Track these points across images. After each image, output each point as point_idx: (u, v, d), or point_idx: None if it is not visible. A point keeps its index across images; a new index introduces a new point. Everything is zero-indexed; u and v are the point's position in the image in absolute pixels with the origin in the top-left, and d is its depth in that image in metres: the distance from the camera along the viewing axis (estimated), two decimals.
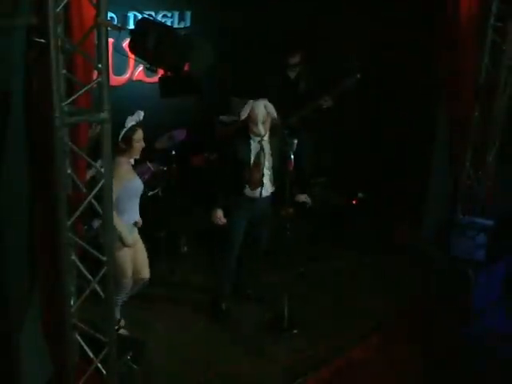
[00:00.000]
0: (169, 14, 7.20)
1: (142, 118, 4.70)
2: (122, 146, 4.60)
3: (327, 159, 7.78)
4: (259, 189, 5.19)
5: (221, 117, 7.47)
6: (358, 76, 6.41)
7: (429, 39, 6.23)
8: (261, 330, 5.32)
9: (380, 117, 7.33)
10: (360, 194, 7.14)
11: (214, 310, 5.49)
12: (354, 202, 7.16)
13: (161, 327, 5.21)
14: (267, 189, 5.26)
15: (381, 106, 7.26)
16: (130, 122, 4.61)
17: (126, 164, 4.68)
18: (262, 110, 5.03)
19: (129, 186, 4.65)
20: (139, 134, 4.65)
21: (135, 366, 4.68)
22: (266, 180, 5.22)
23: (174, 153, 6.28)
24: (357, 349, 5.15)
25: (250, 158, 5.15)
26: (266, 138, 5.17)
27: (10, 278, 3.76)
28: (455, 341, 5.34)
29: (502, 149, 6.36)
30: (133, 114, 4.65)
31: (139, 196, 4.82)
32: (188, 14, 7.39)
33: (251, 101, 5.09)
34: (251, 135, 5.13)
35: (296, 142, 5.05)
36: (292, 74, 6.92)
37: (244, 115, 5.06)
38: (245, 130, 5.17)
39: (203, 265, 6.22)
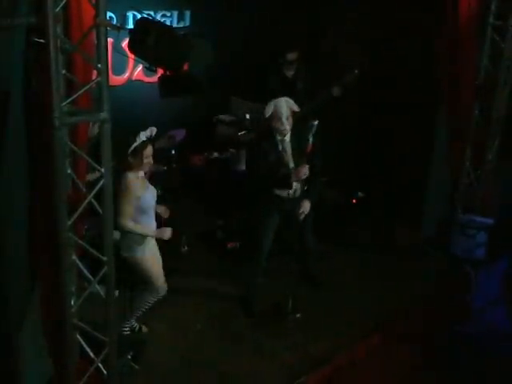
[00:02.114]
0: (168, 14, 7.21)
1: (154, 134, 4.69)
2: (130, 160, 4.57)
3: (327, 158, 7.78)
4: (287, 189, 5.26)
5: (220, 116, 7.47)
6: (356, 72, 6.39)
7: (428, 38, 6.23)
8: (261, 328, 5.32)
9: (380, 116, 7.32)
10: (360, 194, 7.14)
11: (245, 307, 5.58)
12: (353, 202, 7.16)
13: (161, 326, 5.21)
14: (297, 190, 5.30)
15: (381, 105, 7.26)
16: (142, 136, 4.59)
17: (135, 180, 4.64)
18: (285, 106, 5.13)
19: (140, 202, 4.64)
20: (149, 150, 4.63)
21: (136, 366, 4.69)
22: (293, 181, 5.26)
23: (173, 152, 6.29)
24: (357, 347, 5.15)
25: (276, 157, 5.22)
26: (286, 138, 5.24)
27: (11, 277, 3.76)
28: (455, 340, 5.34)
29: (502, 147, 6.36)
30: (146, 129, 4.63)
31: (153, 207, 4.81)
32: (187, 14, 7.40)
33: (273, 100, 5.18)
34: (275, 134, 5.23)
35: (316, 123, 5.05)
36: (289, 73, 6.91)
37: (268, 113, 5.15)
38: (269, 130, 5.26)
39: (203, 264, 6.22)
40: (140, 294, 4.91)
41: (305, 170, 5.14)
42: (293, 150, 5.26)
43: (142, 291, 4.90)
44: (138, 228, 4.66)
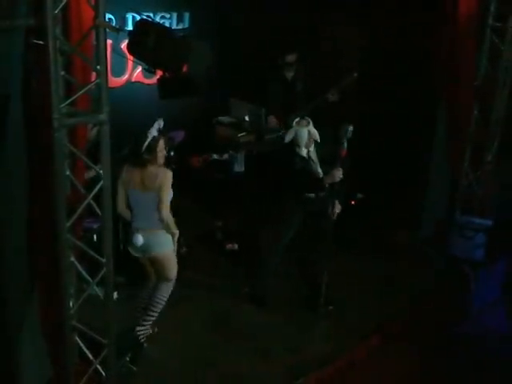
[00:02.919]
0: (167, 15, 7.21)
1: (162, 126, 4.78)
2: (146, 157, 4.64)
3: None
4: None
5: (220, 118, 7.47)
6: (355, 75, 6.40)
7: (428, 39, 6.24)
8: (261, 329, 5.32)
9: (379, 117, 7.33)
10: (358, 195, 7.13)
11: (253, 295, 5.67)
12: (352, 203, 7.15)
13: (160, 327, 5.21)
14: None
15: (380, 106, 7.27)
16: (154, 132, 4.67)
17: None
18: (306, 136, 5.23)
19: None
20: (161, 144, 4.71)
21: (134, 367, 4.69)
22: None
23: (172, 154, 6.28)
24: (357, 349, 5.15)
25: (301, 166, 5.32)
26: (311, 148, 5.33)
27: (10, 279, 3.76)
28: (454, 341, 5.34)
29: (501, 148, 6.37)
30: (153, 124, 4.73)
31: None
32: (186, 16, 7.40)
33: (295, 125, 5.27)
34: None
35: (351, 129, 5.09)
36: (289, 75, 6.92)
37: (288, 140, 5.29)
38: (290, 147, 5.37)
39: (202, 265, 6.21)
40: (160, 290, 4.92)
41: (339, 173, 5.21)
42: (322, 156, 5.36)
43: (160, 288, 4.92)
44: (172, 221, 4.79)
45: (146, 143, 4.62)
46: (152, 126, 4.72)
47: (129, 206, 4.76)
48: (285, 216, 5.54)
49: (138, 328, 4.89)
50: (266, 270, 5.67)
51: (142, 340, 4.90)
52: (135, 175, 4.67)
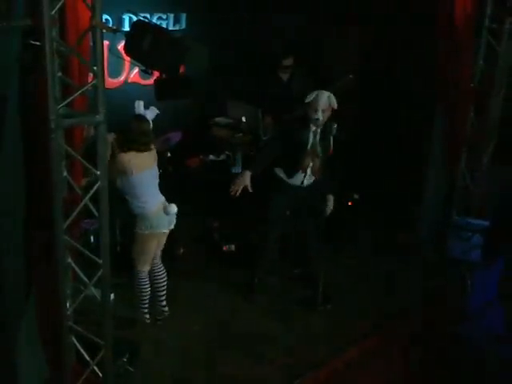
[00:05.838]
0: (164, 17, 7.20)
1: (154, 113, 5.06)
2: (147, 140, 4.93)
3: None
4: (302, 176, 5.38)
5: (216, 118, 7.47)
6: (351, 76, 6.41)
7: (425, 41, 6.25)
8: (259, 330, 5.32)
9: (376, 118, 7.34)
10: (355, 196, 7.14)
11: (249, 285, 5.75)
12: (349, 204, 7.15)
13: (158, 328, 5.21)
14: (308, 178, 5.40)
15: (377, 107, 7.28)
16: (148, 115, 4.98)
17: None
18: (325, 99, 5.19)
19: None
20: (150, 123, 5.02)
21: (131, 369, 4.68)
22: (309, 170, 5.38)
23: (169, 155, 6.28)
24: (356, 349, 5.15)
25: (306, 144, 5.31)
26: (319, 130, 5.31)
27: (7, 280, 3.75)
28: (452, 341, 5.35)
29: (497, 150, 6.38)
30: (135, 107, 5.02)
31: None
32: (183, 17, 7.39)
33: (317, 90, 5.26)
34: (310, 124, 5.29)
35: (336, 126, 5.19)
36: (285, 76, 6.94)
37: (309, 100, 5.21)
38: (305, 118, 5.33)
39: (200, 266, 6.21)
40: (160, 264, 5.30)
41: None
42: (321, 145, 5.36)
43: (159, 262, 5.30)
44: None
45: (144, 128, 4.86)
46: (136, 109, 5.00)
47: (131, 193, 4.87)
48: (269, 203, 5.52)
49: (164, 307, 5.28)
50: (261, 264, 5.69)
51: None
52: (142, 158, 4.86)
